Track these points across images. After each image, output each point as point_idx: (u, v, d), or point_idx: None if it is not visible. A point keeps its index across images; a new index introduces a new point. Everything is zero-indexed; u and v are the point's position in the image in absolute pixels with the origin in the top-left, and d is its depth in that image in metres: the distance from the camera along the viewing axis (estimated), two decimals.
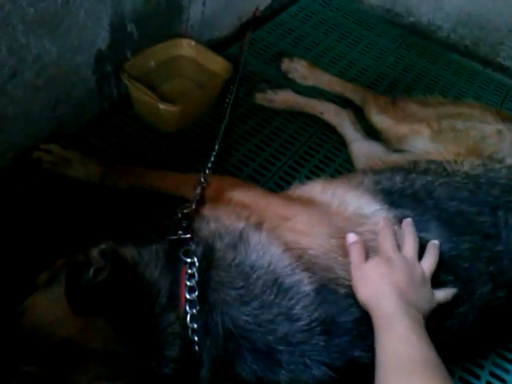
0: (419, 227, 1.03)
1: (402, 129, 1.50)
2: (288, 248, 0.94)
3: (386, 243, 0.98)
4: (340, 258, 0.95)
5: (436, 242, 1.02)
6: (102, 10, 1.32)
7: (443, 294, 0.97)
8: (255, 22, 2.10)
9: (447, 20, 2.21)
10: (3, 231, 1.20)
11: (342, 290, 0.93)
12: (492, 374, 1.22)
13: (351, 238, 0.98)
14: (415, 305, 0.89)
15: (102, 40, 1.39)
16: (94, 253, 0.90)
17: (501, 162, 1.29)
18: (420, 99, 1.63)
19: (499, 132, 1.39)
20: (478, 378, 1.21)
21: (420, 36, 2.24)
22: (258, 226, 0.97)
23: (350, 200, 1.07)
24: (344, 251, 0.96)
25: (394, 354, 0.84)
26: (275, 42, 2.02)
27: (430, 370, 0.81)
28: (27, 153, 1.35)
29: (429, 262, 0.98)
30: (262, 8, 2.15)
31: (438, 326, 0.98)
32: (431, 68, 2.09)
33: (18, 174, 1.33)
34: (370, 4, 2.33)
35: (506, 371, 1.23)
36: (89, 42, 1.35)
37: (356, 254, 0.95)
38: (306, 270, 0.93)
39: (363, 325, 0.92)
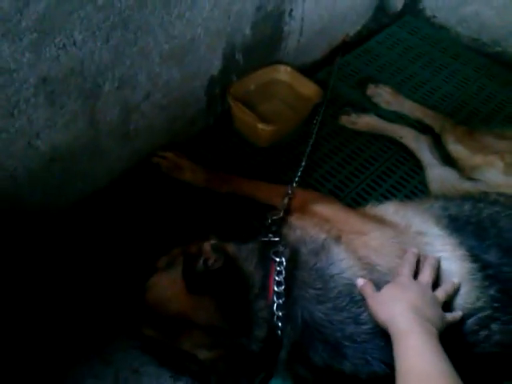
0: (479, 251, 1.17)
1: (476, 159, 1.60)
2: (361, 262, 1.12)
3: (404, 269, 1.11)
4: None
5: (456, 280, 1.13)
6: (218, 44, 1.58)
7: (451, 316, 1.08)
8: (344, 47, 2.28)
9: None
10: (130, 222, 1.49)
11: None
12: None
13: (360, 282, 1.10)
14: (429, 319, 0.99)
15: (215, 67, 1.65)
16: (207, 246, 1.13)
17: None
18: (497, 131, 1.72)
19: None
20: None
21: (505, 66, 2.30)
22: (338, 238, 1.17)
23: (416, 222, 1.23)
24: None
25: (410, 367, 0.91)
26: (362, 68, 2.19)
27: (445, 381, 0.87)
28: (149, 157, 1.63)
29: (442, 291, 1.09)
30: (351, 34, 2.33)
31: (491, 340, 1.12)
32: None
33: (141, 175, 1.62)
34: (456, 32, 2.42)
35: None
36: (205, 70, 1.61)
37: (366, 289, 1.08)
38: (376, 285, 1.09)
39: None
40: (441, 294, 1.09)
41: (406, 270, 1.11)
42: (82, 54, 1.20)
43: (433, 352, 0.91)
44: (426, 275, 1.11)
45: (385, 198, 1.70)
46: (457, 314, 1.09)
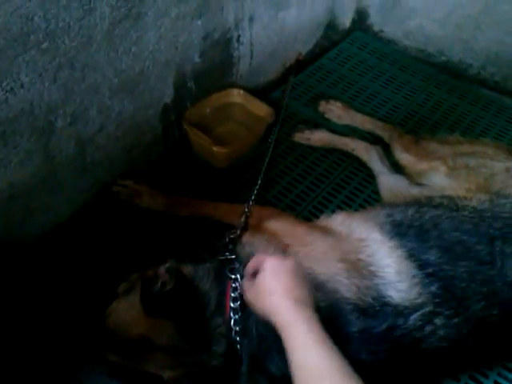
0: (419, 252, 1.25)
1: (422, 165, 1.69)
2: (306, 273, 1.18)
3: (262, 257, 1.11)
4: (345, 280, 1.18)
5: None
6: (168, 74, 1.65)
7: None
8: (298, 66, 2.37)
9: (477, 59, 2.38)
10: (93, 251, 1.53)
11: (348, 307, 1.16)
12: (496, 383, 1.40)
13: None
14: (305, 300, 1.00)
15: (168, 96, 1.71)
16: (162, 269, 1.18)
17: (507, 197, 1.46)
18: (440, 137, 1.82)
19: (508, 169, 1.56)
20: None
21: (451, 74, 2.41)
22: (285, 251, 1.23)
23: (359, 230, 1.30)
24: (348, 273, 1.20)
25: (302, 366, 0.91)
26: (315, 85, 2.28)
27: (338, 375, 0.87)
28: (107, 187, 1.68)
29: None
30: (304, 53, 2.43)
31: (436, 335, 1.19)
32: (460, 104, 2.26)
33: (100, 205, 1.67)
34: (403, 45, 2.54)
35: (510, 381, 1.40)
36: (157, 99, 1.68)
37: (243, 284, 1.14)
38: (318, 291, 1.15)
39: (366, 333, 1.14)
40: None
41: (263, 257, 1.11)
42: (31, 94, 1.26)
43: (319, 345, 0.91)
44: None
45: (340, 208, 1.77)
46: None
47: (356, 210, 1.66)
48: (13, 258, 1.48)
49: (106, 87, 1.45)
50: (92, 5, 1.25)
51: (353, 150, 1.95)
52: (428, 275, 1.22)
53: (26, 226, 1.50)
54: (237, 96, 1.97)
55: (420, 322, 1.17)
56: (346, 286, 1.18)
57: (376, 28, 2.61)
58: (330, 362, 0.88)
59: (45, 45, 1.21)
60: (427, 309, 1.18)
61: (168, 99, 1.73)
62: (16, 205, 1.42)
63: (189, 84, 1.78)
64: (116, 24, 1.35)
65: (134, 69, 1.50)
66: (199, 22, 1.65)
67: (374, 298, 1.18)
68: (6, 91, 1.19)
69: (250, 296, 1.11)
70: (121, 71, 1.46)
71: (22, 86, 1.22)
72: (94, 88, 1.41)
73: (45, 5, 1.14)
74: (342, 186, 1.88)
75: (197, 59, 1.74)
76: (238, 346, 1.19)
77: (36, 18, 1.14)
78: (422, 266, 1.23)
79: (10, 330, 1.36)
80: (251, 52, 2.02)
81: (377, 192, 1.83)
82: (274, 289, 1.02)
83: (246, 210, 1.54)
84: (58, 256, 1.54)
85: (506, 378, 1.41)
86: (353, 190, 1.87)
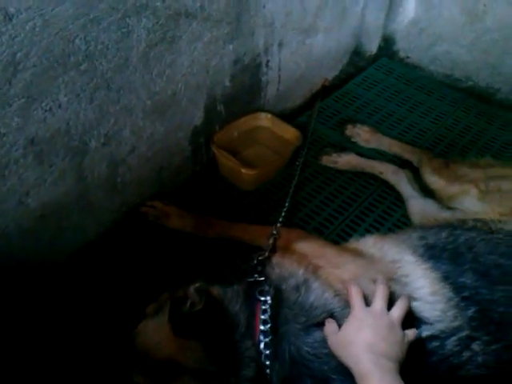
0: (455, 275, 1.21)
1: (453, 189, 1.66)
2: (337, 294, 1.16)
3: (354, 300, 1.13)
4: None
5: (407, 295, 1.17)
6: (199, 97, 1.68)
7: (412, 333, 1.10)
8: (324, 91, 2.39)
9: (506, 82, 2.37)
10: (121, 271, 1.54)
11: None
12: None
13: (326, 322, 1.13)
14: (385, 354, 1.03)
15: (198, 119, 1.74)
16: (191, 290, 1.16)
17: None
18: (471, 161, 1.80)
19: None
20: None
21: (478, 99, 2.40)
22: (315, 272, 1.21)
23: (391, 252, 1.28)
24: None
25: None
26: (341, 109, 2.29)
27: None
28: (137, 207, 1.70)
29: (397, 312, 1.11)
30: (330, 79, 2.45)
31: (474, 362, 1.15)
32: (489, 129, 2.25)
33: (129, 225, 1.68)
34: (429, 70, 2.54)
35: None
36: (188, 121, 1.70)
37: (327, 329, 1.12)
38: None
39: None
40: (395, 316, 1.11)
41: (357, 300, 1.13)
42: (68, 114, 1.29)
43: None
44: (378, 301, 1.13)
45: (369, 232, 1.75)
46: (414, 330, 1.12)
47: (387, 233, 1.63)
48: (42, 276, 1.49)
49: (139, 109, 1.48)
50: (130, 28, 1.29)
51: (381, 173, 1.94)
52: (463, 298, 1.19)
53: (55, 245, 1.52)
54: (264, 119, 1.99)
55: (458, 348, 1.13)
56: None
57: (402, 54, 2.62)
58: None
59: (84, 66, 1.25)
60: (464, 333, 1.15)
61: (198, 122, 1.75)
62: (47, 224, 1.44)
63: (218, 107, 1.81)
64: (152, 47, 1.39)
65: (166, 91, 1.53)
66: (231, 47, 1.68)
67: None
68: (45, 111, 1.22)
69: (332, 342, 1.10)
70: (154, 93, 1.49)
71: (59, 106, 1.25)
72: (128, 109, 1.44)
73: (86, 27, 1.18)
74: (370, 210, 1.86)
75: (227, 83, 1.77)
76: (268, 370, 1.16)
77: (77, 41, 1.18)
78: (457, 289, 1.19)
79: (39, 348, 1.36)
80: (279, 77, 2.05)
81: (406, 216, 1.81)
82: (355, 339, 1.06)
83: (275, 231, 1.52)
84: (87, 276, 1.55)
85: None
86: (381, 213, 1.85)
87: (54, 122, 1.26)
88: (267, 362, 1.15)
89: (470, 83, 2.46)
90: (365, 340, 1.05)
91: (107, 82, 1.33)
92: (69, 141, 1.33)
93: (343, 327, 1.10)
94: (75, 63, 1.22)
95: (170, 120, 1.61)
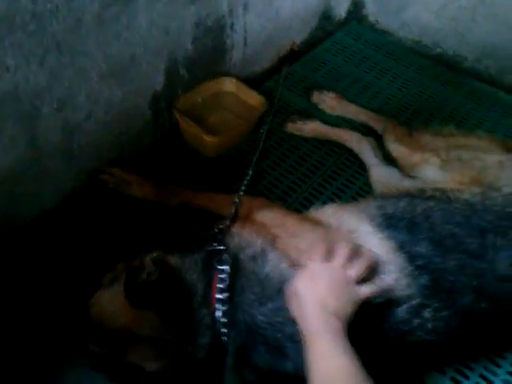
0: (410, 244, 1.23)
1: (415, 158, 1.67)
2: (293, 264, 1.17)
3: (314, 256, 1.12)
4: None
5: (368, 248, 1.19)
6: (160, 61, 1.62)
7: (367, 290, 1.10)
8: (292, 55, 2.34)
9: (472, 51, 2.36)
10: (79, 240, 1.51)
11: None
12: (482, 376, 1.40)
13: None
14: (336, 312, 1.02)
15: (159, 83, 1.68)
16: (148, 259, 1.16)
17: (498, 190, 1.45)
18: (434, 130, 1.79)
19: (500, 163, 1.55)
20: (467, 378, 1.39)
21: (446, 67, 2.39)
22: (273, 242, 1.21)
23: (350, 222, 1.29)
24: None
25: (318, 371, 0.96)
26: (308, 75, 2.25)
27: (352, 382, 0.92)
28: (96, 174, 1.65)
29: (354, 271, 1.10)
30: (298, 43, 2.39)
31: (424, 328, 1.18)
32: (454, 97, 2.24)
33: (89, 193, 1.64)
34: (398, 36, 2.51)
35: (494, 374, 1.40)
36: (148, 86, 1.65)
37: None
38: None
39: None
40: (353, 271, 1.10)
41: (315, 256, 1.12)
42: (16, 78, 1.22)
43: (339, 354, 0.95)
44: (337, 257, 1.12)
45: (332, 200, 1.76)
46: (372, 286, 1.11)
47: (347, 202, 1.64)
48: None
49: (94, 72, 1.42)
50: None
51: (345, 141, 1.93)
52: (418, 267, 1.21)
53: (10, 213, 1.47)
54: (229, 84, 1.94)
55: (408, 315, 1.17)
56: None
57: (371, 18, 2.58)
58: (347, 372, 0.93)
59: (31, 27, 1.18)
60: (416, 301, 1.18)
61: (159, 86, 1.69)
62: (0, 191, 1.39)
63: (181, 71, 1.75)
64: (106, 7, 1.32)
65: (124, 54, 1.47)
66: (192, 8, 1.62)
67: None
68: None
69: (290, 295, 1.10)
70: (110, 56, 1.43)
71: (7, 70, 1.19)
72: (82, 73, 1.38)
73: None
74: (333, 178, 1.86)
75: (189, 46, 1.71)
76: (225, 337, 1.17)
77: None
78: (412, 258, 1.22)
79: None
80: (245, 40, 1.99)
81: (368, 184, 1.81)
82: (308, 293, 1.05)
83: (236, 200, 1.52)
84: (43, 244, 1.51)
85: (491, 372, 1.41)
86: (344, 181, 1.85)
87: (2, 85, 1.20)
88: (223, 330, 1.16)
89: (439, 50, 2.44)
90: (318, 295, 1.04)
91: (58, 45, 1.27)
92: (19, 106, 1.27)
93: (298, 279, 1.09)
94: (22, 24, 1.15)
95: (129, 84, 1.56)
